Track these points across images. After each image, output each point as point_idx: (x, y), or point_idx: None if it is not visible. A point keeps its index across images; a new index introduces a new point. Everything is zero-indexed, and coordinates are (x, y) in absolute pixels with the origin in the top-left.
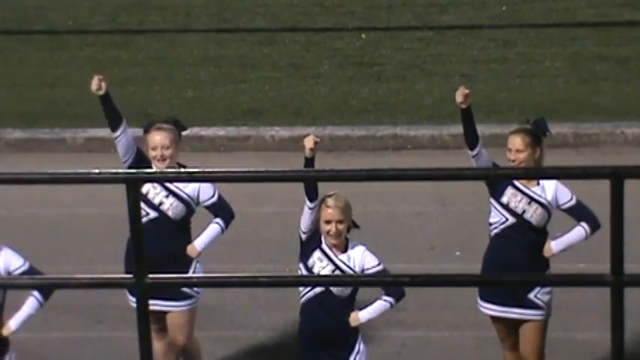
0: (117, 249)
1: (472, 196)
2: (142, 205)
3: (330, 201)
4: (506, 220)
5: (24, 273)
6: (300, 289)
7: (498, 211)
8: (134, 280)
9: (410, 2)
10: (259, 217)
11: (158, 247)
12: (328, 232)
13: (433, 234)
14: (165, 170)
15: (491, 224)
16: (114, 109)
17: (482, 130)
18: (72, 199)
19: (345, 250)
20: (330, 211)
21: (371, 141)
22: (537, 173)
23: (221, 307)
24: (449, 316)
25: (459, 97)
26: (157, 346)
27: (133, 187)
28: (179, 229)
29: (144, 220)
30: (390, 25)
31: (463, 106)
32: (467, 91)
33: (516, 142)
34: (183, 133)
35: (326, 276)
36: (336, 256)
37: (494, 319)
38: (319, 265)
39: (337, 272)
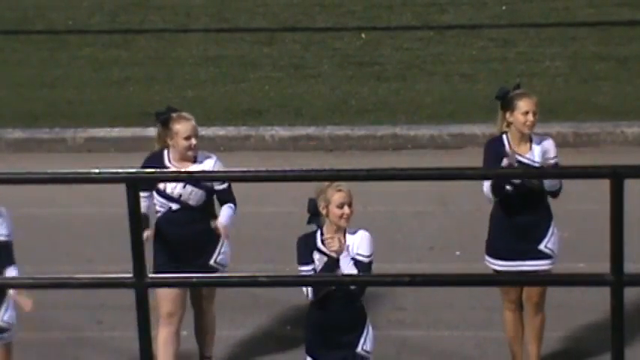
0: (117, 249)
1: (472, 196)
2: (164, 200)
3: (336, 185)
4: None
5: (1, 244)
6: None
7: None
8: (134, 280)
9: (410, 2)
10: (259, 217)
11: (186, 229)
12: (341, 217)
13: (433, 234)
14: (164, 170)
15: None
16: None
17: (482, 129)
18: (72, 199)
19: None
20: (342, 194)
21: (371, 141)
22: (537, 173)
23: (221, 307)
24: (449, 316)
25: None
26: None
27: (133, 186)
28: (204, 213)
29: (168, 212)
30: (390, 25)
31: None
32: None
33: (533, 103)
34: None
35: (325, 276)
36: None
37: (500, 273)
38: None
39: None
